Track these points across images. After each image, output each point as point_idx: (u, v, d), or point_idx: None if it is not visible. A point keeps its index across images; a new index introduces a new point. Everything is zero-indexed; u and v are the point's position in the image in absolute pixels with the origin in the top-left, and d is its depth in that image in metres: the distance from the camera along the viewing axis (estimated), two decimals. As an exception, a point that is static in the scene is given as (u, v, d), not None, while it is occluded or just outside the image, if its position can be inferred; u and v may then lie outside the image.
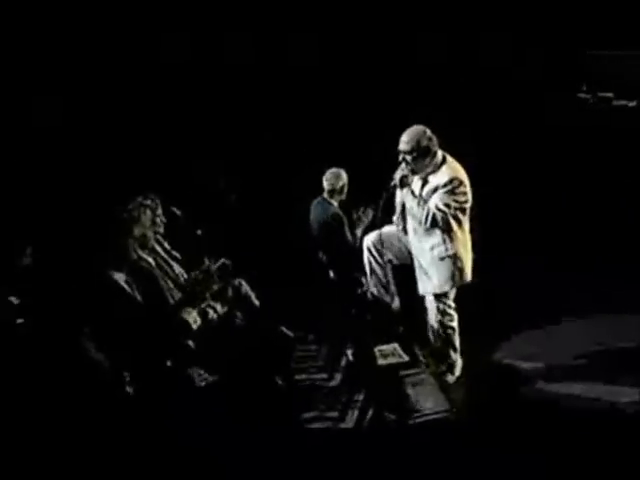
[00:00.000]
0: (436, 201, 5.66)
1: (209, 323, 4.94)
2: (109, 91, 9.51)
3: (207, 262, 5.02)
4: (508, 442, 4.77)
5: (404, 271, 6.08)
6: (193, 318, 4.70)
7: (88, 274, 4.63)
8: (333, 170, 6.79)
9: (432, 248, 5.82)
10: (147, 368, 4.44)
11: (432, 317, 5.93)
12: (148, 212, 5.36)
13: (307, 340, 5.91)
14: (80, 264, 4.78)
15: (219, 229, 7.03)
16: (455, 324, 5.93)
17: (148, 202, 5.44)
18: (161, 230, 5.61)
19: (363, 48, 10.08)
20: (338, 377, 5.59)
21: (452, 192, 5.62)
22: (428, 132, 5.74)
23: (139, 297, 4.77)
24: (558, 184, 9.35)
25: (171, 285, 5.21)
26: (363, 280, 6.13)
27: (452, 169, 5.71)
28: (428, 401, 5.43)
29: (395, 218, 6.08)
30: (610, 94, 10.06)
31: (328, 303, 5.94)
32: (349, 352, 5.33)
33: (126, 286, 4.74)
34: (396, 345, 5.86)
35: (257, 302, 5.44)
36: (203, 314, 4.92)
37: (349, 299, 5.80)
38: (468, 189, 5.70)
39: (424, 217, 5.67)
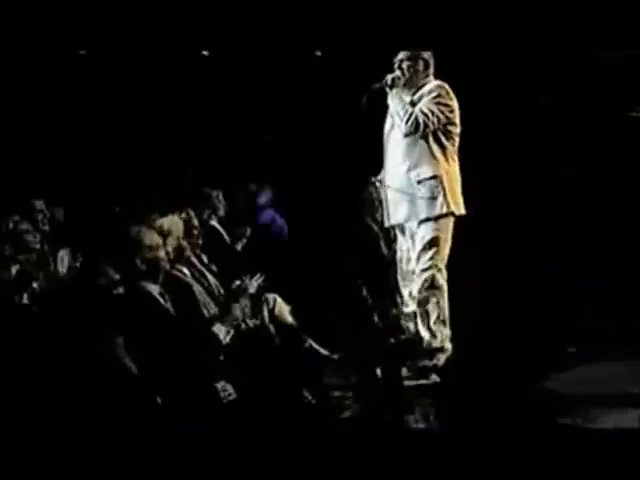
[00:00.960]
0: (420, 106, 5.52)
1: (241, 337, 4.80)
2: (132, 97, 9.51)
3: (244, 280, 4.99)
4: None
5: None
6: (224, 333, 4.61)
7: (123, 284, 4.61)
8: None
9: (409, 170, 5.56)
10: (176, 379, 4.44)
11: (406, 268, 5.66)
12: (180, 223, 5.28)
13: (336, 357, 5.70)
14: (115, 272, 4.75)
15: (256, 244, 7.05)
16: (442, 284, 5.56)
17: (179, 213, 5.37)
18: (199, 242, 5.55)
19: (362, 47, 10.07)
20: (367, 395, 5.40)
21: (437, 100, 5.50)
22: (429, 52, 5.72)
23: (172, 309, 4.66)
24: (562, 184, 9.47)
25: (207, 298, 5.12)
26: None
27: (440, 82, 5.63)
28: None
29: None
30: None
31: (361, 321, 5.89)
32: (378, 371, 5.30)
33: (160, 298, 4.63)
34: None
35: (290, 318, 5.36)
36: (235, 328, 4.79)
37: (382, 318, 5.79)
38: (454, 107, 5.58)
39: (406, 118, 5.46)
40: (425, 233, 5.59)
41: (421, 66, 5.65)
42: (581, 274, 7.78)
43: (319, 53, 10.69)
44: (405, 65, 5.63)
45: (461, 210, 5.66)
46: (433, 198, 5.51)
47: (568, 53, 9.99)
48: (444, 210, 5.53)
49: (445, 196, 5.52)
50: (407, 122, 5.45)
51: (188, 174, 8.80)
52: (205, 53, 10.43)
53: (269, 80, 10.06)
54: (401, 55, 5.68)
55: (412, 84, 5.65)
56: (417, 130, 5.46)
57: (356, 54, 9.84)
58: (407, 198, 5.56)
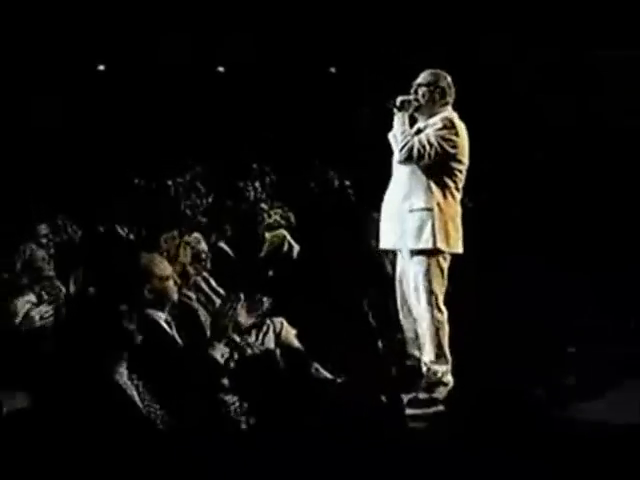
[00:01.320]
0: (421, 135, 5.30)
1: (246, 361, 4.73)
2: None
3: (236, 296, 4.88)
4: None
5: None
6: (220, 352, 4.47)
7: (127, 314, 4.52)
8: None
9: (404, 198, 5.39)
10: (181, 406, 4.37)
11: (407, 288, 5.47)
12: (188, 249, 5.22)
13: (341, 381, 5.46)
14: (119, 303, 4.67)
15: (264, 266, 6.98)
16: (442, 323, 5.37)
17: (187, 238, 5.30)
18: (207, 266, 5.47)
19: (362, 47, 10.08)
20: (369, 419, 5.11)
21: (439, 133, 5.25)
22: (450, 80, 5.46)
23: (178, 336, 4.58)
24: (562, 184, 9.45)
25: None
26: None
27: (449, 114, 5.39)
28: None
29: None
30: None
31: (366, 345, 5.76)
32: (382, 397, 5.20)
33: (166, 326, 4.54)
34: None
35: (297, 342, 5.25)
36: (239, 351, 4.70)
37: (386, 343, 5.70)
38: (459, 143, 5.31)
39: (402, 144, 5.27)
40: (417, 269, 5.44)
41: (437, 94, 5.41)
42: (581, 274, 7.75)
43: (333, 70, 10.69)
44: (421, 91, 5.43)
45: (452, 248, 5.43)
46: (420, 230, 5.34)
47: (568, 53, 9.97)
48: (429, 245, 5.34)
49: (433, 230, 5.32)
50: (401, 149, 5.29)
51: (200, 192, 8.77)
52: (221, 69, 10.47)
53: (283, 95, 10.09)
54: (419, 80, 5.47)
55: (426, 111, 5.44)
56: (410, 159, 5.28)
57: (369, 66, 9.84)
58: (398, 225, 5.44)
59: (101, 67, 10.54)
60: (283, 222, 7.92)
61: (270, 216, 8.00)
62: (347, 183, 9.08)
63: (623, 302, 7.09)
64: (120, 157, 9.73)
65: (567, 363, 5.98)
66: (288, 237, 7.52)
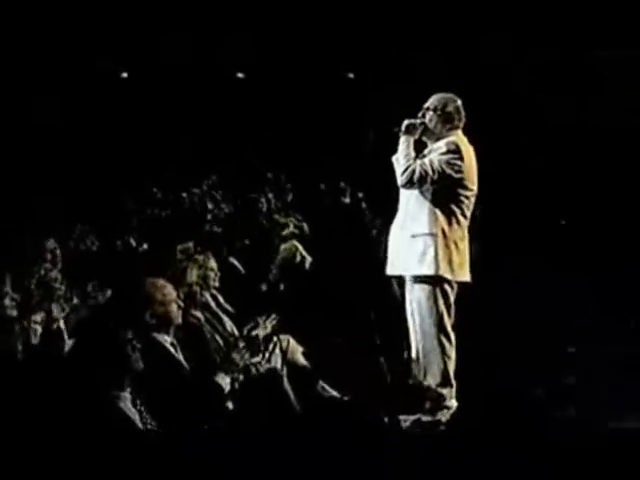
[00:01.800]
0: (424, 160, 5.16)
1: (251, 381, 4.64)
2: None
3: (258, 321, 4.84)
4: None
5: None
6: (225, 381, 4.40)
7: (133, 336, 4.49)
8: None
9: (408, 222, 5.28)
10: (184, 430, 4.32)
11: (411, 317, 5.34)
12: (195, 269, 5.17)
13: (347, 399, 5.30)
14: (125, 325, 4.65)
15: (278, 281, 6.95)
16: (448, 349, 5.24)
17: (196, 256, 5.27)
18: (216, 284, 5.40)
19: (363, 48, 10.11)
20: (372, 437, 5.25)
21: (442, 157, 5.09)
22: (459, 104, 5.27)
23: (183, 360, 4.52)
24: (561, 184, 9.47)
25: (220, 342, 5.03)
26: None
27: (457, 138, 5.21)
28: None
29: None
30: None
31: (372, 365, 5.63)
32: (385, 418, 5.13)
33: (171, 349, 4.49)
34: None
35: (303, 359, 5.16)
36: (245, 372, 4.61)
37: (390, 363, 5.67)
38: (464, 169, 5.12)
39: (403, 168, 5.16)
40: (420, 295, 5.32)
41: (443, 118, 5.23)
42: (581, 274, 7.77)
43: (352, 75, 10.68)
44: (428, 115, 5.27)
45: (457, 276, 5.22)
46: (423, 256, 5.19)
47: (568, 53, 9.99)
48: (431, 271, 5.16)
49: (436, 257, 5.14)
50: (403, 173, 5.17)
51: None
52: (240, 75, 10.49)
53: (300, 103, 10.11)
54: (427, 103, 5.30)
55: (432, 132, 5.28)
56: (411, 183, 5.15)
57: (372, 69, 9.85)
58: (403, 250, 5.31)
59: (124, 74, 10.58)
60: (297, 231, 7.87)
61: (283, 226, 7.95)
62: (360, 195, 9.04)
63: (623, 302, 7.08)
64: (137, 166, 9.73)
65: (567, 363, 5.96)
66: (300, 249, 7.47)
